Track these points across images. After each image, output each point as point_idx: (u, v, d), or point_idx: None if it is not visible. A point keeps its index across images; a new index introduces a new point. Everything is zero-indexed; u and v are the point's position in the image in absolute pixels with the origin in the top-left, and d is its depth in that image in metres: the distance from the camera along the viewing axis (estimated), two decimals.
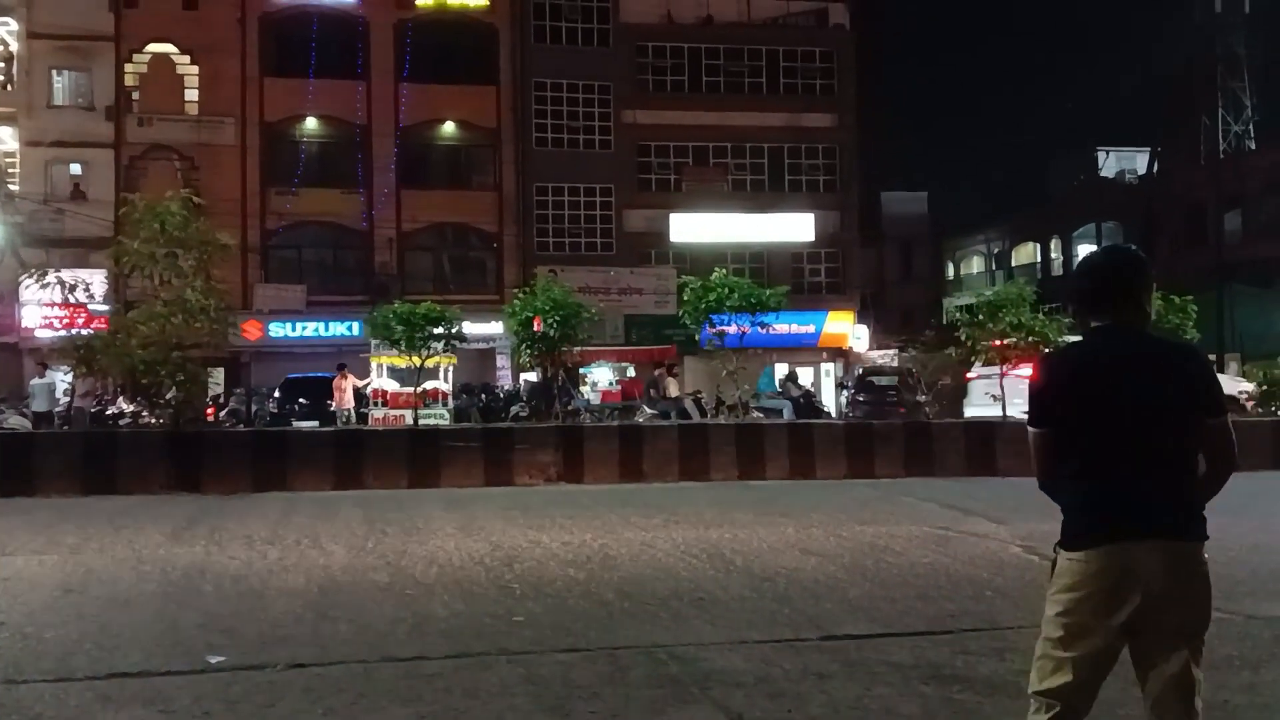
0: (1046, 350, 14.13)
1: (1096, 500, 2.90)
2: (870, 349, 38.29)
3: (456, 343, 17.87)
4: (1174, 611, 2.83)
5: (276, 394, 28.37)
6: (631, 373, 30.72)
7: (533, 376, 25.91)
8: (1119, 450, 2.89)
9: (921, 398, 22.95)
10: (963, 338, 16.91)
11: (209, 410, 26.02)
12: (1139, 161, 51.37)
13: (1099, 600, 2.85)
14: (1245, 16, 48.22)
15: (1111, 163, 52.22)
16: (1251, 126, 48.66)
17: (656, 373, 25.54)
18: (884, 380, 24.79)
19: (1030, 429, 3.09)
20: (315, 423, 23.03)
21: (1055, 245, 51.12)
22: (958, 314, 18.38)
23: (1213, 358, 30.61)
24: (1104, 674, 2.90)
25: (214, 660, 5.34)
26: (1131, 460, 2.88)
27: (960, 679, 5.06)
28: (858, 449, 14.58)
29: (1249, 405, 17.69)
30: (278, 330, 33.88)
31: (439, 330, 16.80)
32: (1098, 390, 2.93)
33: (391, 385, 22.02)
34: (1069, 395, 2.98)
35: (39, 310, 27.63)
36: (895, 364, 32.01)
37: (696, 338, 18.11)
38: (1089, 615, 2.86)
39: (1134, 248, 3.22)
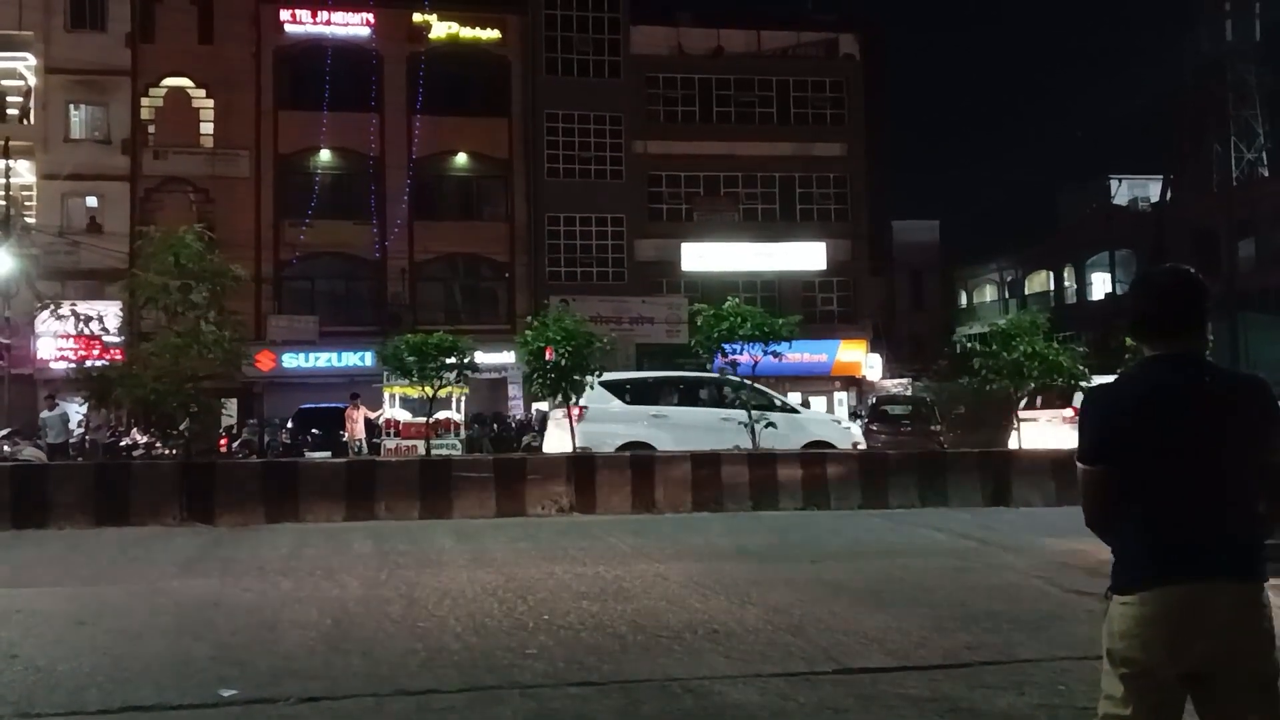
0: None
1: (1158, 540, 2.72)
2: (883, 378, 38.21)
3: (468, 373, 17.88)
4: (1242, 657, 2.65)
5: (289, 424, 28.44)
6: None
7: (545, 406, 25.90)
8: (1184, 488, 2.72)
9: (936, 427, 22.88)
10: (976, 366, 16.85)
11: (222, 441, 26.14)
12: (1151, 189, 51.35)
13: (1160, 645, 2.65)
14: (1255, 44, 48.29)
15: (1124, 191, 52.22)
16: (1264, 154, 48.62)
17: None
18: (898, 409, 24.77)
19: (1081, 465, 2.87)
20: (328, 453, 23.06)
21: (1068, 273, 51.05)
22: (970, 343, 18.30)
23: None
24: None
25: (226, 693, 5.32)
26: (1197, 498, 2.71)
27: (978, 713, 5.01)
28: (872, 479, 14.50)
29: None
30: (291, 361, 34.02)
31: (451, 360, 16.81)
32: (1163, 425, 2.75)
33: (404, 415, 22.04)
34: (1132, 430, 2.78)
35: (54, 342, 27.81)
36: (909, 393, 31.93)
37: (709, 367, 18.08)
38: (1151, 663, 2.66)
39: (1193, 270, 2.95)
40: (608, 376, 17.07)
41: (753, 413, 15.77)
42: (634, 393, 16.79)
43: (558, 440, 16.47)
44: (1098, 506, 2.87)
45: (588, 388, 15.74)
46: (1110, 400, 2.92)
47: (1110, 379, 3.11)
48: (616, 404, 16.25)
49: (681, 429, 16.02)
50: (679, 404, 16.66)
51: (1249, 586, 2.71)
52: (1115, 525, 2.82)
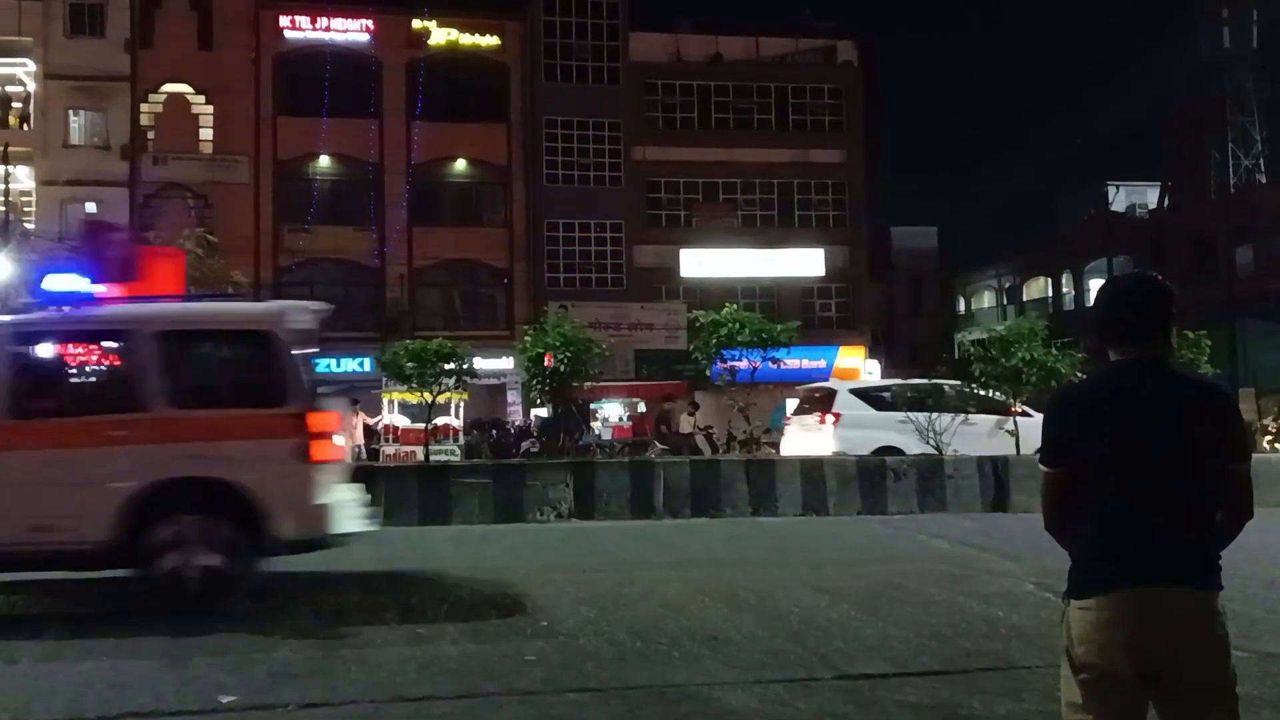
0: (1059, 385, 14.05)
1: (1115, 544, 2.73)
2: None
3: (467, 379, 17.89)
4: (1198, 663, 2.67)
5: None
6: (642, 408, 30.72)
7: (544, 412, 25.88)
8: (1143, 493, 2.72)
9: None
10: (975, 373, 16.86)
11: None
12: (1149, 196, 51.42)
13: (1118, 650, 2.67)
14: (1253, 51, 48.38)
15: (1122, 197, 52.29)
16: (1261, 161, 48.68)
17: (666, 406, 25.50)
18: None
19: (1043, 468, 2.90)
20: None
21: (1066, 280, 51.08)
22: (970, 348, 18.34)
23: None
24: None
25: (225, 700, 5.31)
26: (1155, 504, 2.72)
27: (976, 719, 5.01)
28: (871, 485, 14.49)
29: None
30: None
31: (450, 366, 16.83)
32: (1124, 430, 2.75)
33: (402, 421, 22.04)
34: (1093, 433, 2.78)
35: None
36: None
37: (707, 373, 18.10)
38: (1110, 668, 2.68)
39: (1160, 276, 2.98)
40: (855, 385, 18.73)
41: (995, 418, 16.07)
42: (879, 400, 17.54)
43: (799, 444, 17.21)
44: (1056, 510, 2.88)
45: (839, 395, 17.27)
46: (1073, 403, 2.94)
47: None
48: (869, 411, 16.99)
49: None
50: (920, 410, 16.80)
51: (1203, 594, 2.72)
52: (1075, 529, 2.83)
